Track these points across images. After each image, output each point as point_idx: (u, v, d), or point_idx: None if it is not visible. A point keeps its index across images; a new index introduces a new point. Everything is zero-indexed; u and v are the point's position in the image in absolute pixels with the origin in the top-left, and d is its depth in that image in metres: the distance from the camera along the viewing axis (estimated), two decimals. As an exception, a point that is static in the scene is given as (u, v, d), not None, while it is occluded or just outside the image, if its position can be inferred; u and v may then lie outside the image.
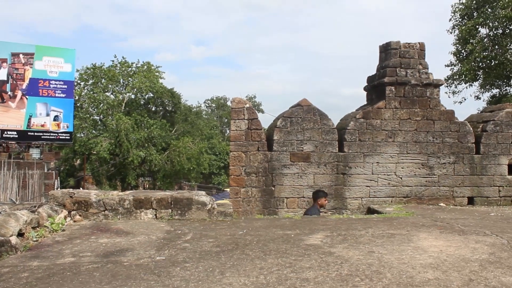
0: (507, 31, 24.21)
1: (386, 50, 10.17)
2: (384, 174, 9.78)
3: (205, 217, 7.47)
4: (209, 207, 7.57)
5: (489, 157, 10.10)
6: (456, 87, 27.31)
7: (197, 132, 42.37)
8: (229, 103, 57.95)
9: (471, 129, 10.12)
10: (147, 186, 40.68)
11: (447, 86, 27.57)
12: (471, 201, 10.10)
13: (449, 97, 27.67)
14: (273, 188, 9.55)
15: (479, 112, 11.25)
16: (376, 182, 9.75)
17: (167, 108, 43.73)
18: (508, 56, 24.22)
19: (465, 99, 27.87)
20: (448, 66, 27.80)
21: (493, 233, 6.10)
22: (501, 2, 22.90)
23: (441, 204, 9.89)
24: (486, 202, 10.07)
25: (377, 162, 9.75)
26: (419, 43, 10.08)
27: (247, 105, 9.65)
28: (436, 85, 9.98)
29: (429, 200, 9.88)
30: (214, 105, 57.83)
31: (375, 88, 10.26)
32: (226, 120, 55.51)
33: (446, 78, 27.51)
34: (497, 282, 3.82)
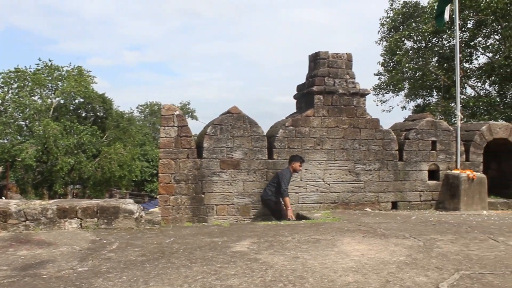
0: (429, 45, 25.52)
1: (315, 59, 10.43)
2: (313, 181, 10.00)
3: (132, 225, 7.34)
4: (137, 216, 7.45)
5: (411, 163, 10.58)
6: (383, 96, 28.45)
7: (129, 139, 41.48)
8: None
9: (395, 137, 10.55)
10: (75, 194, 39.38)
11: (375, 95, 28.67)
12: (395, 205, 10.52)
13: (377, 105, 28.82)
14: (202, 196, 9.52)
15: (403, 120, 11.76)
16: (305, 188, 9.95)
17: (98, 114, 42.62)
18: (430, 68, 25.50)
19: (392, 108, 29.03)
20: (376, 75, 28.92)
21: (412, 236, 6.39)
22: (423, 17, 24.11)
23: (367, 209, 10.23)
24: (408, 207, 10.52)
25: (305, 169, 9.95)
26: (346, 53, 10.41)
27: (177, 112, 9.59)
28: (363, 94, 10.34)
29: (356, 205, 10.20)
30: (147, 110, 56.91)
31: (304, 96, 10.49)
32: (159, 126, 54.54)
33: (374, 87, 28.61)
34: (411, 282, 4.00)
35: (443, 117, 25.06)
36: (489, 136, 11.07)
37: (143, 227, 7.43)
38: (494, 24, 22.46)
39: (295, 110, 11.16)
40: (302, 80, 10.81)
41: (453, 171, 10.59)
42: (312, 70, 10.49)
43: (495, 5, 19.81)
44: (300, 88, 10.83)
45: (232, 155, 9.67)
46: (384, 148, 10.41)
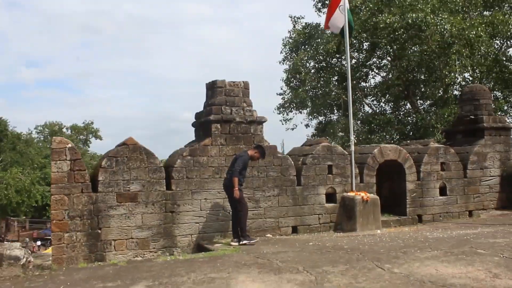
0: (329, 64, 26.55)
1: (212, 88, 10.44)
2: (213, 210, 9.95)
3: (19, 273, 6.89)
4: (24, 262, 7.01)
5: (309, 188, 10.84)
6: (287, 114, 29.10)
7: (27, 162, 39.22)
8: (64, 130, 54.67)
9: (293, 162, 10.77)
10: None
11: (279, 113, 29.28)
12: (295, 229, 10.70)
13: (282, 124, 29.35)
14: (99, 231, 9.14)
15: (301, 145, 12.04)
16: (205, 218, 9.87)
17: (-9, 136, 39.98)
18: (331, 87, 26.48)
19: (296, 126, 29.72)
20: (280, 94, 29.59)
21: (305, 269, 6.50)
22: (324, 38, 25.05)
23: (268, 235, 10.33)
24: (308, 230, 10.75)
25: (205, 199, 9.89)
26: (243, 82, 10.52)
27: (69, 145, 9.17)
28: (260, 122, 10.48)
29: (257, 232, 10.26)
30: (47, 131, 54.04)
31: (202, 125, 10.45)
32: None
33: (278, 105, 29.26)
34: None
35: (343, 134, 26.17)
36: (380, 158, 11.64)
37: (32, 273, 7.00)
38: (387, 46, 23.82)
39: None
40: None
41: (348, 194, 10.99)
42: (209, 99, 10.48)
43: (389, 30, 20.89)
44: (198, 116, 10.78)
45: (129, 187, 9.38)
46: (283, 174, 10.60)
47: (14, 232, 47.24)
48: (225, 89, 10.35)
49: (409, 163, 11.90)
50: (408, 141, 14.25)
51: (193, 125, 11.00)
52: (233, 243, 9.26)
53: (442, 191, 12.40)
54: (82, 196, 9.11)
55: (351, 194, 10.94)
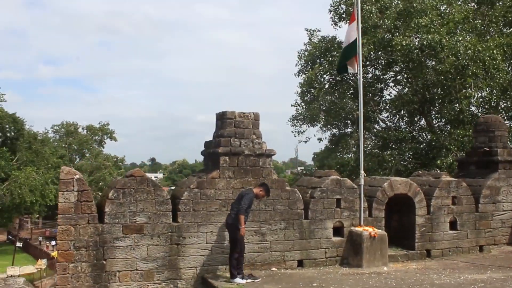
0: (344, 78, 26.32)
1: (222, 118, 10.40)
2: (218, 243, 9.92)
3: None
4: (25, 301, 7.00)
5: (316, 221, 10.74)
6: (300, 126, 28.91)
7: (42, 162, 39.58)
8: (80, 130, 55.04)
9: (301, 196, 10.67)
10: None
11: (292, 126, 29.10)
12: (300, 263, 10.63)
13: (295, 136, 29.17)
14: (104, 262, 9.17)
15: (311, 175, 11.96)
16: (210, 251, 9.85)
17: (8, 134, 40.49)
18: (346, 100, 26.23)
19: (309, 139, 29.49)
20: (294, 106, 29.39)
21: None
22: (339, 51, 24.84)
23: (273, 269, 10.28)
24: (314, 264, 10.67)
25: (211, 231, 9.86)
26: (253, 113, 10.46)
27: (77, 176, 9.20)
28: (268, 155, 10.41)
29: (262, 265, 10.22)
30: (63, 130, 54.42)
31: (211, 155, 10.43)
32: (76, 148, 52.54)
33: (291, 117, 29.08)
34: None
35: (356, 148, 25.90)
36: (390, 192, 11.48)
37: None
38: (403, 64, 23.54)
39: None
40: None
41: (356, 228, 10.87)
42: (219, 129, 10.45)
43: (406, 49, 20.55)
44: (207, 145, 10.75)
45: (135, 219, 9.39)
46: (290, 207, 10.52)
47: (27, 230, 47.88)
48: (234, 120, 10.30)
49: (419, 197, 11.72)
50: (420, 172, 14.05)
51: (202, 153, 10.98)
52: (236, 281, 9.21)
53: (453, 226, 12.21)
54: (88, 227, 9.15)
55: (358, 229, 10.83)
